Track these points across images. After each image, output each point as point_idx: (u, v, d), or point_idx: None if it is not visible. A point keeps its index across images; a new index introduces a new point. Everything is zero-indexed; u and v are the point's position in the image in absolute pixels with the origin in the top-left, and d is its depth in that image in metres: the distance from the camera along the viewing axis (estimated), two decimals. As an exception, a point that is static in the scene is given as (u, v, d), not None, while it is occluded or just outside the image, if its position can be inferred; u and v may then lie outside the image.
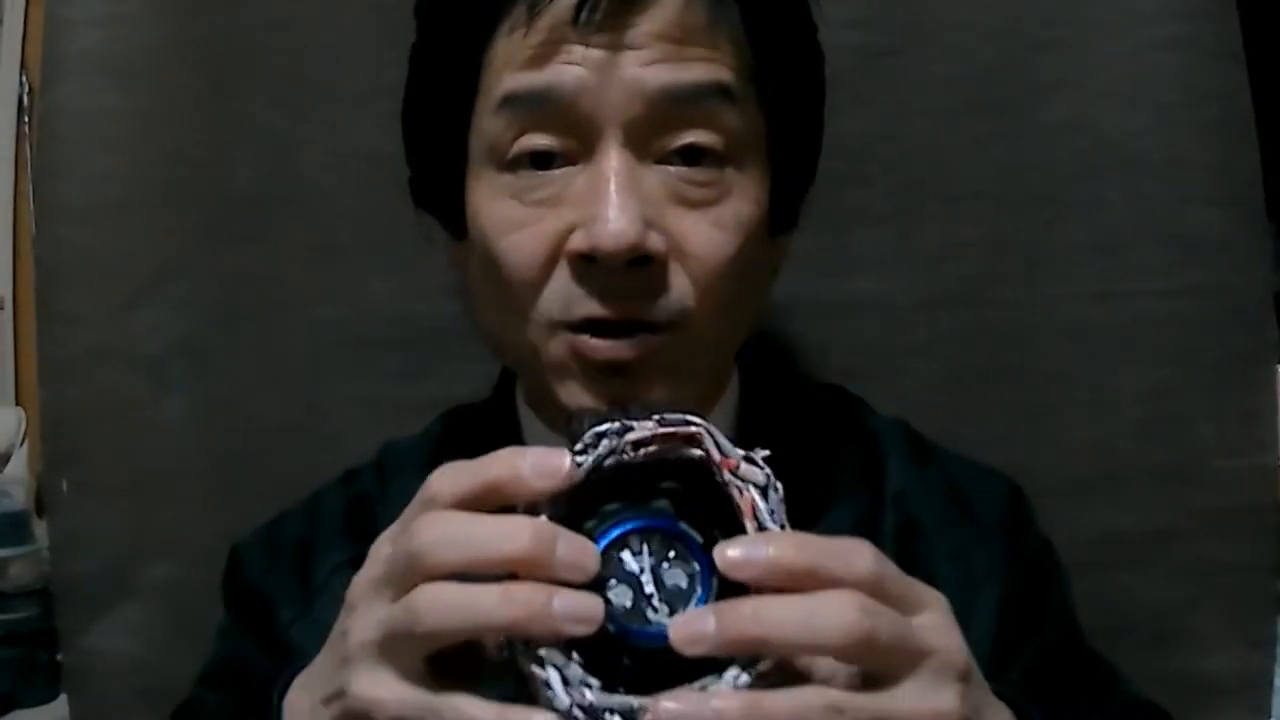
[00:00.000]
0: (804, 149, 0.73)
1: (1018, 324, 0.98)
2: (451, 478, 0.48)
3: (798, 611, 0.44)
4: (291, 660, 0.70)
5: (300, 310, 1.01)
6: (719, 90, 0.65)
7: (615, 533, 0.46)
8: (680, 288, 0.65)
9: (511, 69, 0.65)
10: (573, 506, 0.47)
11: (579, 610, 0.44)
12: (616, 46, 0.63)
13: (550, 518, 0.46)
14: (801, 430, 0.74)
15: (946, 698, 0.46)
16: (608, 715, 0.43)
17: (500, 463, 0.48)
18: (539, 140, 0.64)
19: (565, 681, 0.44)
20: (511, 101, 0.64)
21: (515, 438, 0.74)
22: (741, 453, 0.47)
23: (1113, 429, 0.96)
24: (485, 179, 0.67)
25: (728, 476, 0.46)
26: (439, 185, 0.71)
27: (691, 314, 0.65)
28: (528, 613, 0.44)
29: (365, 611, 0.50)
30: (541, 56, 0.64)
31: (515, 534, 0.45)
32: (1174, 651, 0.93)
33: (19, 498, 1.35)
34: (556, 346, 0.65)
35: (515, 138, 0.65)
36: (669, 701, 0.43)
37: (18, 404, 1.57)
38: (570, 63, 0.63)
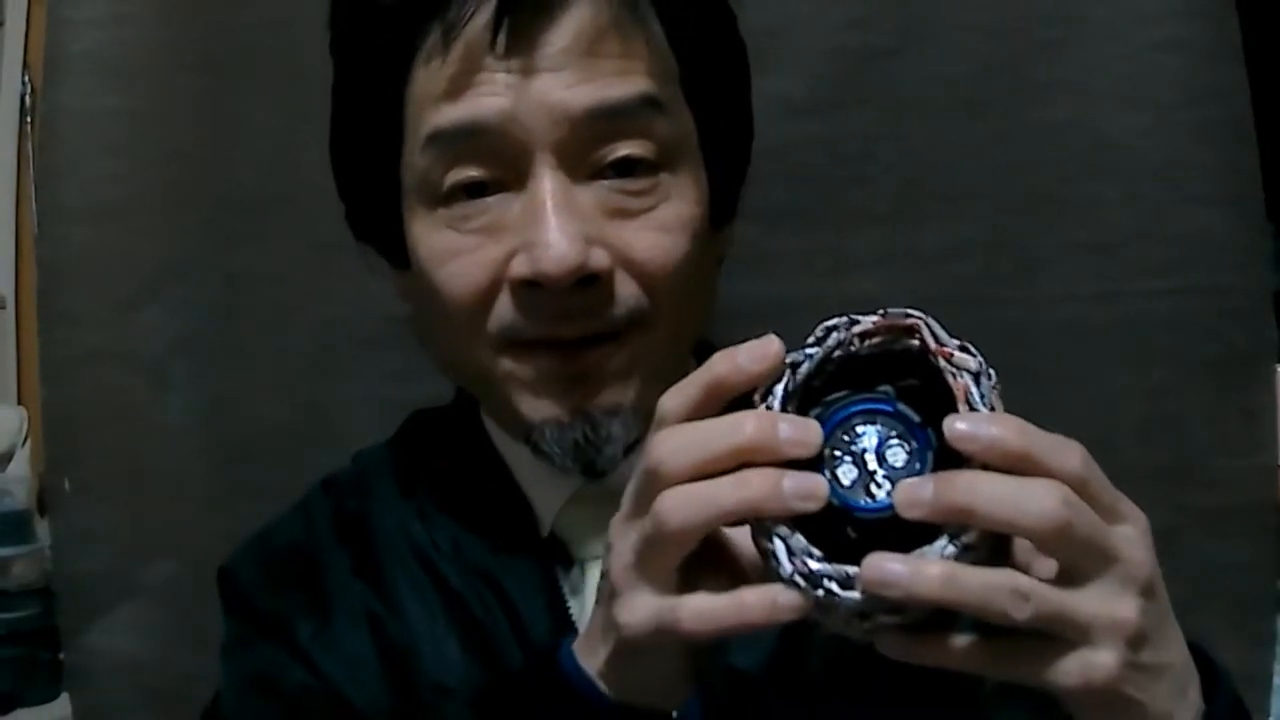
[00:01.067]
0: (736, 140, 0.73)
1: (1018, 324, 0.98)
2: (675, 394, 0.52)
3: (1006, 490, 0.46)
4: (320, 677, 0.70)
5: (300, 310, 1.01)
6: (645, 102, 0.64)
7: (840, 416, 0.49)
8: (631, 295, 0.65)
9: (432, 102, 0.64)
10: (803, 401, 0.51)
11: (806, 487, 0.47)
12: (534, 69, 0.63)
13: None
14: None
15: (1127, 607, 0.48)
16: (825, 581, 0.47)
17: (718, 361, 0.51)
18: (470, 173, 0.64)
19: (790, 552, 0.47)
20: (437, 139, 0.64)
21: (481, 442, 0.75)
22: (957, 341, 0.50)
23: (1113, 429, 0.97)
24: (419, 213, 0.66)
25: (943, 363, 0.49)
26: (375, 219, 0.71)
27: (647, 316, 0.65)
28: (760, 492, 0.48)
29: (620, 540, 0.52)
30: (460, 87, 0.63)
31: (739, 424, 0.49)
32: (1173, 651, 0.93)
33: (21, 497, 1.35)
34: (506, 365, 0.66)
35: (445, 172, 0.64)
36: (878, 560, 0.46)
37: (19, 403, 1.57)
38: (491, 93, 0.63)
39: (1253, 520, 0.96)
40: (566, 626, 0.67)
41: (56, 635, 1.11)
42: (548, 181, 0.63)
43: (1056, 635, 0.47)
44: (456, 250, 0.65)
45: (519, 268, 0.63)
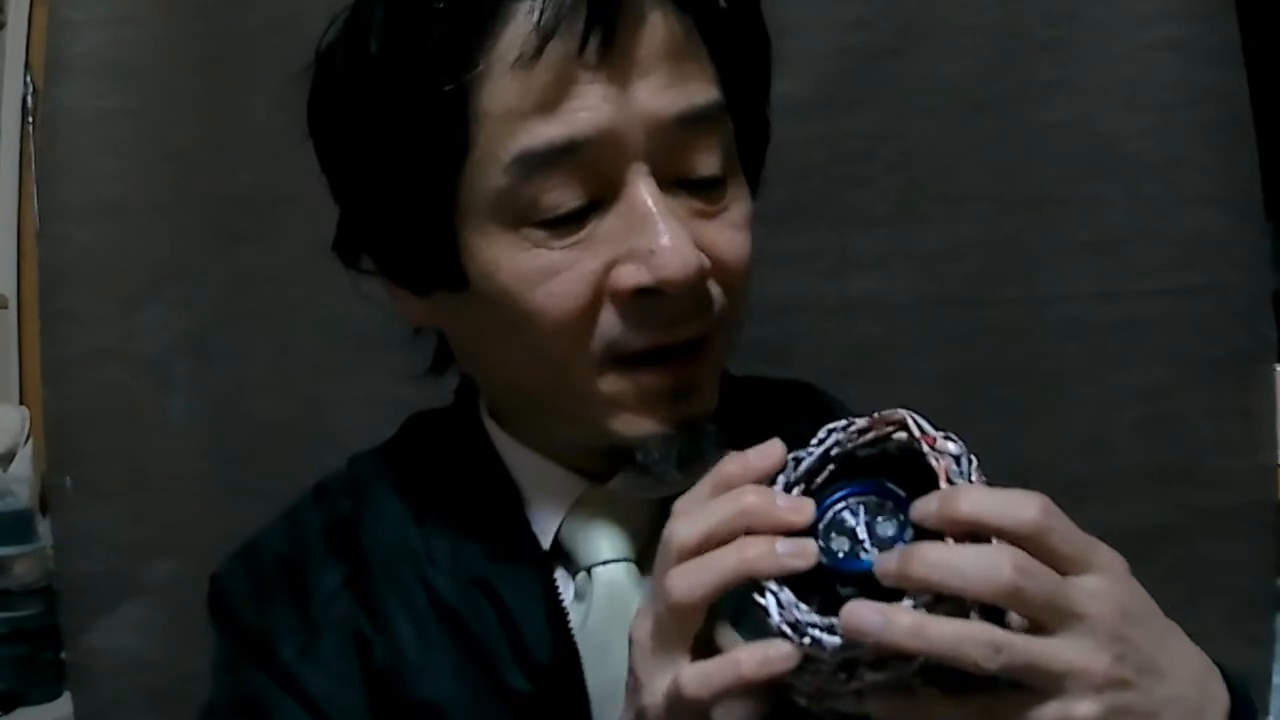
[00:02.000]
0: (762, 143, 0.73)
1: (1017, 324, 0.98)
2: (688, 496, 0.56)
3: (957, 560, 0.49)
4: (306, 701, 0.69)
5: (302, 310, 1.01)
6: (719, 108, 0.65)
7: (835, 496, 0.54)
8: (719, 295, 0.65)
9: (517, 118, 0.61)
10: (804, 493, 0.55)
11: (798, 548, 0.52)
12: (626, 78, 0.61)
13: None
14: (770, 423, 0.73)
15: (1096, 659, 0.49)
16: (810, 629, 0.51)
17: (727, 463, 0.56)
18: (566, 198, 0.62)
19: (780, 605, 0.52)
20: (527, 158, 0.61)
21: (482, 446, 0.74)
22: (941, 432, 0.54)
23: (1112, 428, 0.97)
24: (493, 234, 0.63)
25: (927, 449, 0.53)
26: (412, 243, 0.66)
27: (727, 317, 0.66)
28: (756, 552, 0.52)
29: (640, 631, 0.55)
30: (551, 101, 0.61)
31: (741, 494, 0.54)
32: (1173, 650, 0.93)
33: (23, 496, 1.35)
34: (609, 383, 0.64)
35: (535, 192, 0.61)
36: (855, 606, 0.49)
37: (22, 403, 1.57)
38: (586, 107, 0.61)
39: (1252, 520, 0.96)
40: (565, 637, 0.67)
41: (58, 634, 1.11)
42: (646, 189, 0.62)
43: (1033, 687, 0.49)
44: (553, 268, 0.62)
45: (634, 276, 0.62)
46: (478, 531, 0.71)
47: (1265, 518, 0.96)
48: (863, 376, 0.94)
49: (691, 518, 0.54)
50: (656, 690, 0.54)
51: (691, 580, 0.53)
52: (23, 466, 1.48)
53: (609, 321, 0.63)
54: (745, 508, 0.53)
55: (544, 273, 0.63)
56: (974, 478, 0.52)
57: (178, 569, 0.99)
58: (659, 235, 0.61)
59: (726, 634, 0.55)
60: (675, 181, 0.64)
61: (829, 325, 0.99)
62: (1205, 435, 0.96)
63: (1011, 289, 0.98)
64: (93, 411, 1.02)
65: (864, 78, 0.99)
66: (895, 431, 0.55)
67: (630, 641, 0.56)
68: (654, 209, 0.62)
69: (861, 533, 0.53)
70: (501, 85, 0.61)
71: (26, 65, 1.58)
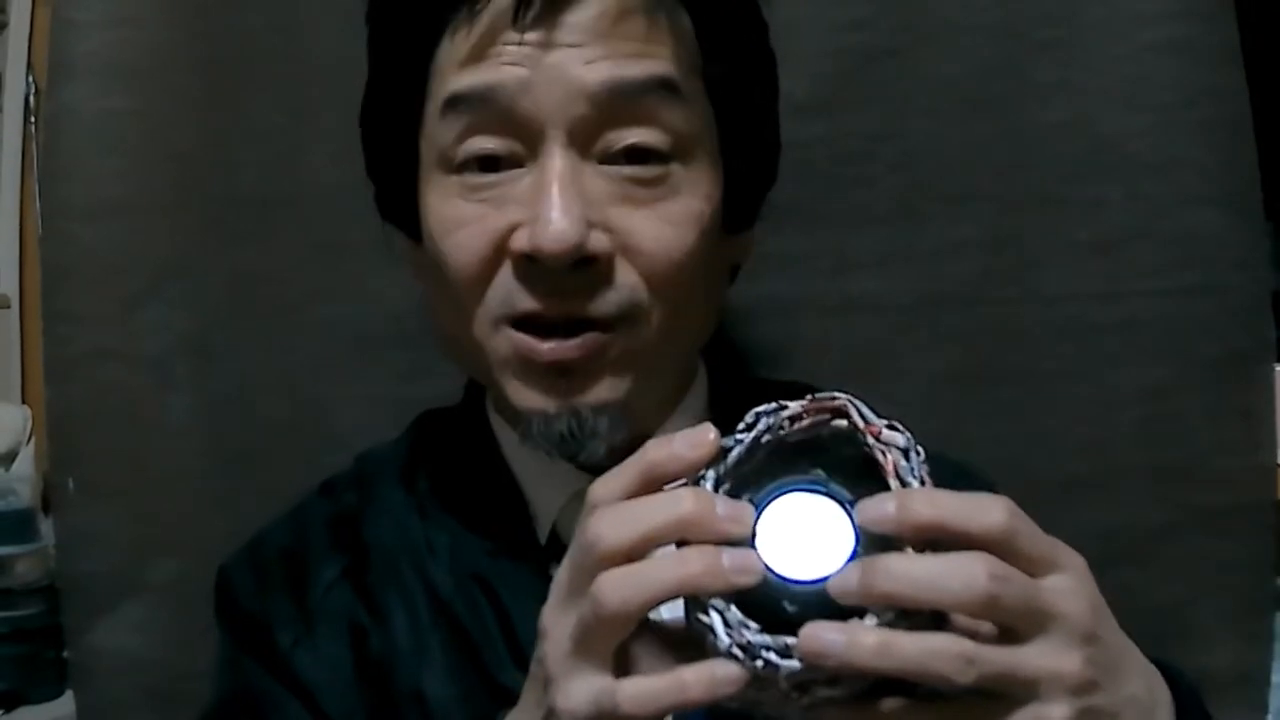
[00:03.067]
0: (758, 147, 0.73)
1: (1018, 324, 0.98)
2: (608, 480, 0.52)
3: (927, 571, 0.47)
4: (300, 689, 0.70)
5: (304, 309, 1.01)
6: (661, 85, 0.64)
7: (772, 497, 0.50)
8: (629, 284, 0.65)
9: (453, 69, 0.65)
10: (735, 487, 0.51)
11: (744, 562, 0.48)
12: (555, 43, 0.63)
13: None
14: None
15: (1070, 660, 0.48)
16: (763, 652, 0.47)
17: (652, 448, 0.51)
18: (484, 143, 0.65)
19: (727, 625, 0.48)
20: (454, 103, 0.65)
21: (488, 444, 0.74)
22: (885, 421, 0.50)
23: (1112, 428, 0.97)
24: (434, 181, 0.67)
25: (872, 441, 0.50)
26: (396, 191, 0.72)
27: (642, 309, 0.65)
28: (701, 568, 0.48)
29: (556, 626, 0.52)
30: (480, 55, 0.64)
31: (678, 499, 0.50)
32: (1173, 648, 0.92)
33: (25, 495, 1.35)
34: (500, 343, 0.66)
35: (460, 139, 0.65)
36: (814, 629, 0.46)
37: (24, 402, 1.58)
38: (510, 63, 0.64)
39: (1251, 519, 0.96)
40: None
41: (60, 633, 1.11)
42: (557, 159, 0.63)
43: (1003, 693, 0.48)
44: (463, 220, 0.66)
45: (520, 241, 0.64)
46: (478, 527, 0.72)
47: (1265, 518, 0.96)
48: (863, 376, 0.94)
49: (618, 517, 0.50)
50: (574, 695, 0.50)
51: (626, 592, 0.49)
52: (25, 466, 1.48)
53: (504, 279, 0.65)
54: (682, 517, 0.49)
55: (456, 222, 0.66)
56: (921, 473, 0.49)
57: (179, 568, 0.99)
58: (549, 205, 0.62)
59: (648, 642, 0.51)
60: (606, 159, 0.64)
61: (829, 325, 0.99)
62: (1205, 435, 0.96)
63: (1011, 289, 0.98)
64: (94, 411, 1.02)
65: (863, 78, 0.99)
66: (833, 419, 0.51)
67: (542, 631, 0.53)
68: (553, 178, 0.63)
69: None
70: (450, 43, 0.65)
71: (29, 66, 1.59)
